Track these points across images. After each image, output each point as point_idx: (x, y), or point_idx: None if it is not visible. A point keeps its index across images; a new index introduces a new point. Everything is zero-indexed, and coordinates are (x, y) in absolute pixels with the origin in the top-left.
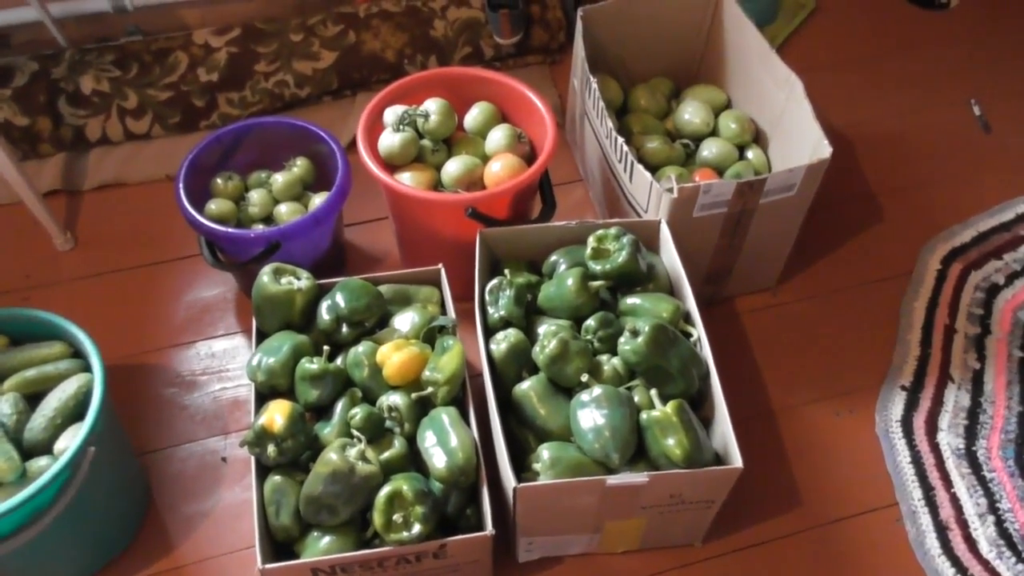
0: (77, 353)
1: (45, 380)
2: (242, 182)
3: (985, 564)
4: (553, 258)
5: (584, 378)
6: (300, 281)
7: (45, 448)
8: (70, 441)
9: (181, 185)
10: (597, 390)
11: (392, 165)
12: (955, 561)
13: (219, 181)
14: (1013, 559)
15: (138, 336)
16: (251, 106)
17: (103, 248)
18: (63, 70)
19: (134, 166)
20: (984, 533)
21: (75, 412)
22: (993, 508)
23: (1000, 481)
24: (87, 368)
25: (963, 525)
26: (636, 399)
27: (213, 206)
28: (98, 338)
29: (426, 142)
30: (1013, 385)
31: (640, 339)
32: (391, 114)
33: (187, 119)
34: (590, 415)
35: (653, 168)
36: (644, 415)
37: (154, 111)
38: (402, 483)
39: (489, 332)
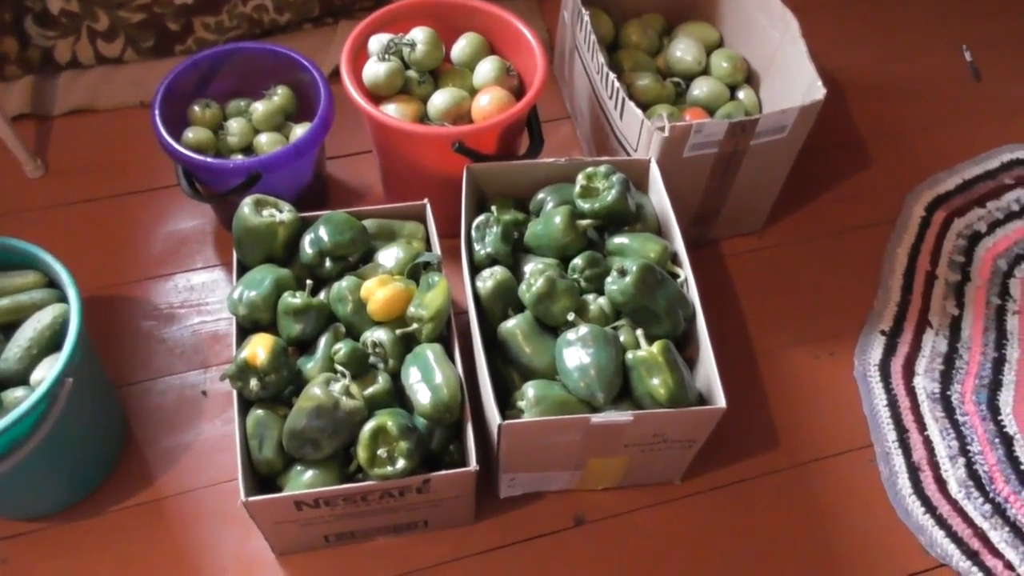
0: (51, 283)
1: (19, 310)
2: (220, 110)
3: (954, 504)
4: (541, 195)
5: (570, 317)
6: (282, 214)
7: (20, 379)
8: (47, 372)
9: (157, 112)
10: (583, 329)
11: (377, 96)
12: (925, 500)
13: (196, 109)
14: (981, 499)
15: (113, 267)
16: (228, 31)
17: (75, 176)
18: None
19: (106, 91)
20: (954, 474)
21: (51, 343)
22: (964, 450)
23: (972, 424)
24: (62, 298)
25: (934, 466)
26: (622, 339)
27: (190, 134)
28: (72, 268)
29: (412, 73)
30: (989, 332)
31: (627, 279)
32: (376, 43)
33: (161, 43)
34: (576, 354)
35: (643, 106)
36: (630, 355)
37: (126, 34)
38: (387, 418)
39: (475, 269)
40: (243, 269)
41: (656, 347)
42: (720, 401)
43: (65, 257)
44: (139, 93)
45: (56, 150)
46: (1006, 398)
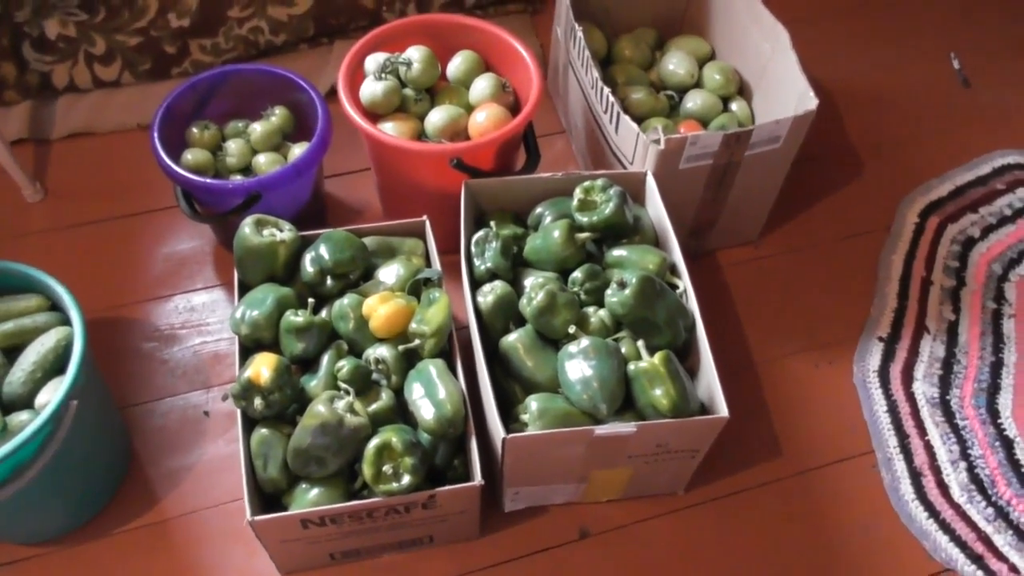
0: (54, 306)
1: (23, 333)
2: (219, 131)
3: (957, 508)
4: (539, 210)
5: (571, 330)
6: (283, 233)
7: (25, 402)
8: (51, 395)
9: (156, 134)
10: (585, 342)
11: (374, 115)
12: (928, 506)
13: (195, 130)
14: (983, 503)
15: (114, 289)
16: (224, 53)
17: (74, 199)
18: (27, 13)
19: (104, 114)
20: (956, 478)
21: (55, 366)
22: (965, 454)
23: (972, 428)
24: (65, 321)
25: (936, 471)
26: (623, 350)
27: (189, 156)
28: (73, 291)
29: (408, 91)
30: (986, 336)
31: (627, 291)
32: (372, 62)
33: (158, 66)
34: (578, 366)
35: (638, 119)
36: (631, 366)
37: (123, 57)
38: (391, 435)
39: (475, 284)
40: (244, 289)
41: (657, 358)
42: (722, 410)
43: (66, 280)
44: (137, 116)
45: (55, 174)
46: (1005, 401)
